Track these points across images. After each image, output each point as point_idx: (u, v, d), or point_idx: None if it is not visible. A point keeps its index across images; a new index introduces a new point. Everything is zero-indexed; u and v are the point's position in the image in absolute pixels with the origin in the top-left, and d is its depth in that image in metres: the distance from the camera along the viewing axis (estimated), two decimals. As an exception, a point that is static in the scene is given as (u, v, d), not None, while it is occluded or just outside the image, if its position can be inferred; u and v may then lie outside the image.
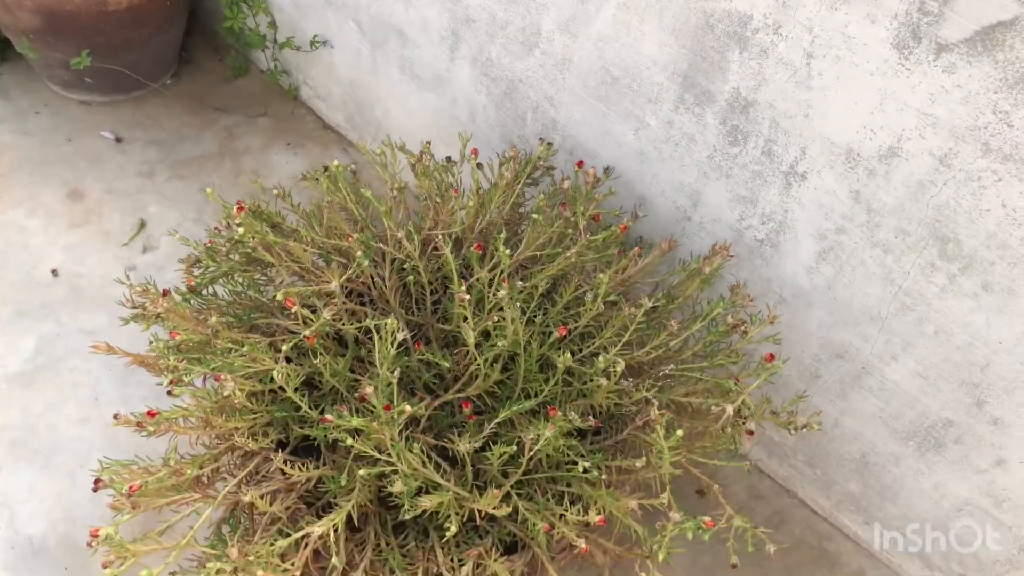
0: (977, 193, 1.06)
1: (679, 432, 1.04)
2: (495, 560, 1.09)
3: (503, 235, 1.17)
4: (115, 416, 1.13)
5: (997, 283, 1.11)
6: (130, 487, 1.06)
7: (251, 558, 0.96)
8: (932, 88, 1.02)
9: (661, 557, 1.01)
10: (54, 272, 1.87)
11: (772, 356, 1.16)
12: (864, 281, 1.25)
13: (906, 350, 1.27)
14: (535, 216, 1.29)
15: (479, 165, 1.38)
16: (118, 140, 2.13)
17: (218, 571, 0.95)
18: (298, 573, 1.00)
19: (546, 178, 1.45)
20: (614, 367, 1.11)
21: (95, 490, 1.10)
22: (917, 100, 1.04)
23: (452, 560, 1.12)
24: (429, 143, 1.40)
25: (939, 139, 1.05)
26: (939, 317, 1.20)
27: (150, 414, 1.08)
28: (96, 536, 1.04)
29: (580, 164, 1.36)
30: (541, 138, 1.51)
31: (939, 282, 1.16)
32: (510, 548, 1.20)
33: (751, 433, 1.13)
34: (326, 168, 1.37)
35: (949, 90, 1.01)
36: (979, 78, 0.98)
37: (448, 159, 1.40)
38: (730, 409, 1.10)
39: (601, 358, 1.12)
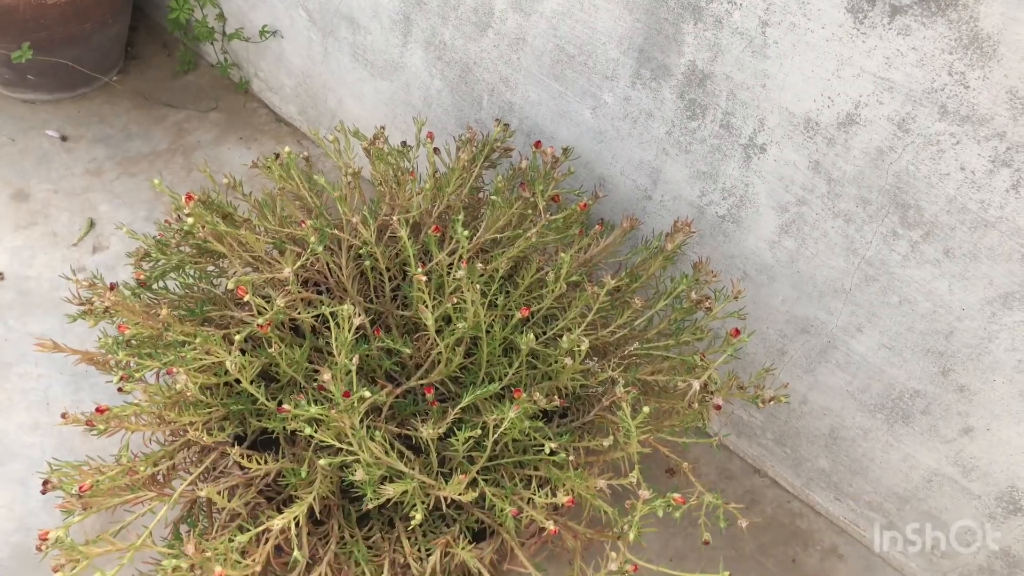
0: (936, 157, 1.05)
1: (645, 409, 1.02)
2: (463, 548, 1.06)
3: (461, 217, 1.15)
4: (63, 415, 1.09)
5: (958, 248, 1.10)
6: (80, 487, 1.02)
7: (209, 554, 0.92)
8: (888, 52, 1.02)
9: (632, 537, 0.99)
10: (0, 275, 1.81)
11: (737, 331, 1.14)
12: (827, 253, 1.24)
13: (871, 321, 1.26)
14: (494, 198, 1.27)
15: (436, 149, 1.35)
16: (64, 139, 2.07)
17: (175, 569, 0.92)
18: (259, 568, 0.96)
19: (504, 160, 1.42)
20: (578, 347, 1.09)
21: (43, 492, 1.05)
22: (873, 65, 1.04)
23: (419, 550, 1.09)
24: (383, 128, 1.37)
25: (896, 104, 1.05)
26: (902, 286, 1.19)
27: (99, 410, 1.04)
28: (45, 539, 1.00)
29: (538, 144, 1.34)
30: (497, 119, 1.48)
31: (901, 250, 1.16)
32: (478, 535, 1.17)
33: (718, 408, 1.12)
34: (277, 156, 1.33)
35: (904, 53, 1.00)
36: (933, 39, 0.97)
37: (403, 143, 1.37)
38: (696, 384, 1.09)
39: (565, 339, 1.10)
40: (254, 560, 0.98)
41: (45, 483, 1.06)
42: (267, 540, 1.01)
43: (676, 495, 1.00)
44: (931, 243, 1.12)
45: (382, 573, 1.05)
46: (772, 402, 1.15)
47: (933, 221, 1.10)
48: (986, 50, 0.95)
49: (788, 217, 1.25)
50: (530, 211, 1.28)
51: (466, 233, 1.11)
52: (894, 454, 1.39)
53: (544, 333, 1.21)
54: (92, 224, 1.91)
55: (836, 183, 1.16)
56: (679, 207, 1.38)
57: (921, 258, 1.15)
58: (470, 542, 1.10)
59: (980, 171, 1.03)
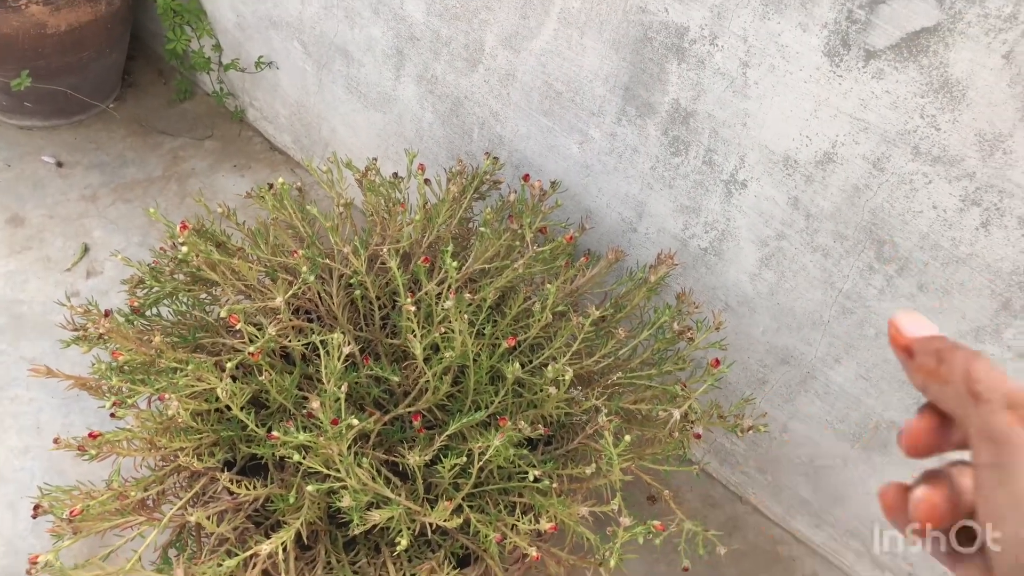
0: (909, 196, 1.09)
1: (627, 438, 1.05)
2: (448, 573, 1.08)
3: (450, 248, 1.18)
4: (55, 440, 1.11)
5: (932, 283, 1.14)
6: (71, 511, 1.03)
7: (197, 579, 0.94)
8: (863, 94, 1.06)
9: (613, 563, 1.01)
10: (-7, 299, 1.83)
11: (717, 361, 1.17)
12: (805, 286, 1.27)
13: (848, 353, 1.29)
14: (483, 230, 1.30)
15: (426, 180, 1.38)
16: (59, 165, 2.10)
17: (163, 594, 0.93)
18: (246, 593, 0.98)
19: (493, 192, 1.46)
20: (563, 376, 1.12)
21: (34, 516, 1.07)
22: (849, 106, 1.08)
23: (404, 575, 1.11)
24: (375, 159, 1.40)
25: (871, 144, 1.08)
26: (878, 319, 1.22)
27: (91, 436, 1.06)
28: (35, 563, 1.01)
29: (526, 178, 1.37)
30: (487, 152, 1.52)
31: (877, 284, 1.19)
32: (463, 561, 1.19)
33: (698, 436, 1.14)
34: (271, 186, 1.36)
35: (879, 95, 1.04)
36: (906, 83, 1.01)
37: (395, 175, 1.40)
38: (677, 414, 1.11)
39: (550, 368, 1.12)
40: (242, 584, 0.99)
41: (36, 507, 1.07)
42: (255, 565, 1.02)
43: (656, 522, 1.02)
44: (906, 278, 1.16)
45: (368, 598, 1.06)
46: (751, 431, 1.17)
47: (907, 257, 1.14)
48: (955, 94, 0.99)
49: (768, 251, 1.28)
50: (518, 242, 1.31)
51: (455, 264, 1.14)
52: (872, 483, 1.41)
53: (530, 362, 1.23)
54: (86, 249, 1.94)
55: (814, 218, 1.20)
56: (663, 239, 1.41)
57: (896, 292, 1.18)
58: (455, 567, 1.12)
59: (951, 209, 1.06)
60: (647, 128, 1.31)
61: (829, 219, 1.19)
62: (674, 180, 1.33)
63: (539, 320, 1.20)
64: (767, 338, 1.38)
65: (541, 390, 1.16)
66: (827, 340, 1.31)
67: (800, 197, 1.20)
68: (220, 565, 0.98)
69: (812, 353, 1.34)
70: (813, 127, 1.13)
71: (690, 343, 1.24)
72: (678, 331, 1.24)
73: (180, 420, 1.06)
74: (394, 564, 1.12)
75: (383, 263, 1.34)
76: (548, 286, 1.18)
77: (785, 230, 1.25)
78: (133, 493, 1.08)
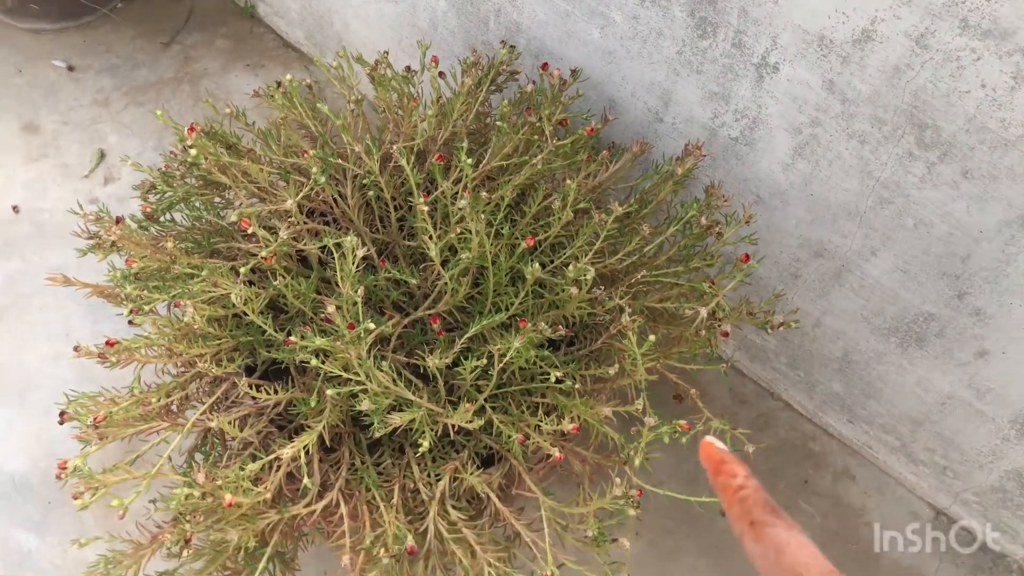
0: (955, 75, 1.01)
1: (651, 338, 1.02)
2: (472, 473, 1.08)
3: (466, 145, 1.12)
4: (76, 348, 1.10)
5: (977, 169, 1.07)
6: (95, 418, 1.04)
7: (219, 482, 0.94)
8: (907, -37, 0.97)
9: (637, 462, 1.00)
10: (15, 209, 1.82)
11: (747, 257, 1.13)
12: (841, 175, 1.21)
13: (886, 245, 1.24)
14: (500, 124, 1.24)
15: (440, 73, 1.32)
16: (70, 69, 2.05)
17: (187, 496, 0.94)
18: (270, 496, 0.98)
19: (511, 84, 1.39)
20: (584, 276, 1.08)
21: (61, 423, 1.08)
22: (892, -23, 0.99)
23: (428, 475, 1.11)
24: (387, 52, 1.34)
25: (915, 18, 1.00)
26: (918, 209, 1.16)
27: (109, 344, 1.05)
28: (64, 468, 1.03)
29: (545, 67, 1.30)
30: (503, 41, 1.44)
31: (917, 172, 1.13)
32: (487, 461, 1.19)
33: (726, 334, 1.11)
34: (279, 84, 1.31)
35: (925, -36, 0.95)
36: (956, -52, 0.92)
37: (408, 68, 1.34)
38: (703, 312, 1.08)
39: (571, 267, 1.09)
40: (266, 488, 1.00)
41: (62, 414, 1.08)
42: (278, 468, 1.02)
43: (681, 421, 1.00)
44: (949, 164, 1.09)
45: (392, 498, 1.06)
46: (781, 327, 1.14)
47: (951, 141, 1.07)
48: (1011, -42, 0.90)
49: (802, 139, 1.22)
50: (537, 137, 1.26)
51: (470, 161, 1.09)
52: (908, 377, 1.38)
53: (551, 262, 1.20)
54: (102, 155, 1.91)
55: (851, 103, 1.13)
56: (691, 129, 1.34)
57: (938, 179, 1.11)
58: (479, 467, 1.12)
59: (1002, 88, 0.98)
60: (672, 9, 1.23)
61: (867, 103, 1.11)
62: (702, 65, 1.25)
63: (559, 218, 1.16)
64: (800, 231, 1.33)
65: (562, 291, 1.13)
66: (863, 232, 1.25)
67: (836, 80, 1.12)
68: (243, 468, 0.98)
69: (847, 246, 1.29)
70: (850, 2, 1.04)
71: (719, 238, 1.19)
72: (706, 226, 1.19)
73: (197, 326, 1.05)
74: (418, 464, 1.12)
75: (397, 162, 1.29)
76: (569, 182, 1.13)
77: (820, 116, 1.17)
78: (155, 399, 1.08)
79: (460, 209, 1.06)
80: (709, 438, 0.56)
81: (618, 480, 0.97)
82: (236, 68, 2.09)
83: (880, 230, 1.23)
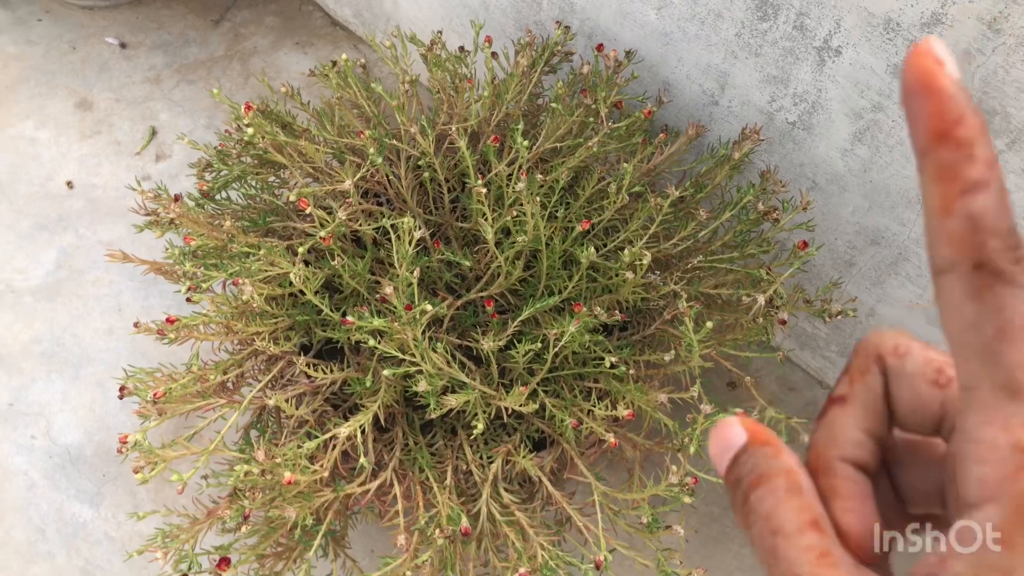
0: (1029, 60, 0.98)
1: (709, 324, 1.01)
2: (524, 456, 1.08)
3: (520, 127, 1.12)
4: (135, 325, 1.12)
5: (1047, 158, 1.04)
6: (154, 394, 1.05)
7: (278, 460, 0.95)
8: (983, -56, 0.94)
9: (692, 450, 0.99)
10: (69, 184, 1.85)
11: (805, 244, 1.11)
12: (903, 161, 1.19)
13: (946, 233, 1.21)
14: (554, 105, 1.23)
15: (493, 54, 1.31)
16: (123, 46, 2.07)
17: (246, 473, 0.95)
18: (326, 474, 1.00)
19: (564, 65, 1.38)
20: (640, 261, 1.07)
21: (120, 397, 1.10)
22: (966, -41, 0.96)
23: (480, 457, 1.11)
24: (440, 32, 1.33)
25: (987, 2, 0.97)
26: (982, 197, 1.14)
27: (169, 321, 1.07)
28: (125, 442, 1.05)
29: (600, 48, 1.29)
30: (558, 21, 1.43)
31: (984, 159, 1.10)
32: (538, 445, 1.19)
33: (783, 322, 1.10)
34: (334, 63, 1.31)
35: (1002, -55, 0.93)
36: (1036, -70, 0.90)
37: (461, 48, 1.33)
38: (762, 299, 1.06)
39: (627, 251, 1.08)
40: (322, 466, 1.01)
41: (121, 389, 1.10)
42: (334, 447, 1.04)
43: (738, 410, 0.99)
44: (1017, 152, 1.06)
45: (445, 479, 1.07)
46: (840, 316, 1.12)
47: (1021, 128, 1.04)
48: (1094, -60, 0.87)
49: (862, 124, 1.19)
50: (591, 119, 1.25)
51: (526, 143, 1.09)
52: (963, 368, 1.35)
53: (604, 245, 1.19)
54: (154, 132, 1.93)
55: (917, 88, 1.10)
56: (747, 113, 1.32)
57: (1005, 168, 1.09)
58: (530, 451, 1.12)
59: (1077, 74, 0.96)
60: (733, -9, 1.21)
61: (934, 88, 1.08)
62: (761, 48, 1.23)
63: (614, 202, 1.15)
64: (857, 218, 1.31)
65: (616, 275, 1.12)
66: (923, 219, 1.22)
67: (901, 64, 1.10)
68: (300, 447, 1.00)
69: (906, 233, 1.26)
70: (922, -16, 1.02)
71: (775, 224, 1.17)
72: (763, 212, 1.17)
73: (255, 305, 1.06)
74: (470, 446, 1.12)
75: (451, 143, 1.29)
76: (625, 165, 1.12)
77: (883, 101, 1.15)
78: (212, 376, 1.10)
79: (516, 191, 1.06)
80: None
81: (674, 467, 0.97)
82: (285, 46, 2.10)
83: (941, 218, 1.20)
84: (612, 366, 1.06)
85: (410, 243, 1.03)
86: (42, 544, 1.46)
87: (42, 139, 1.91)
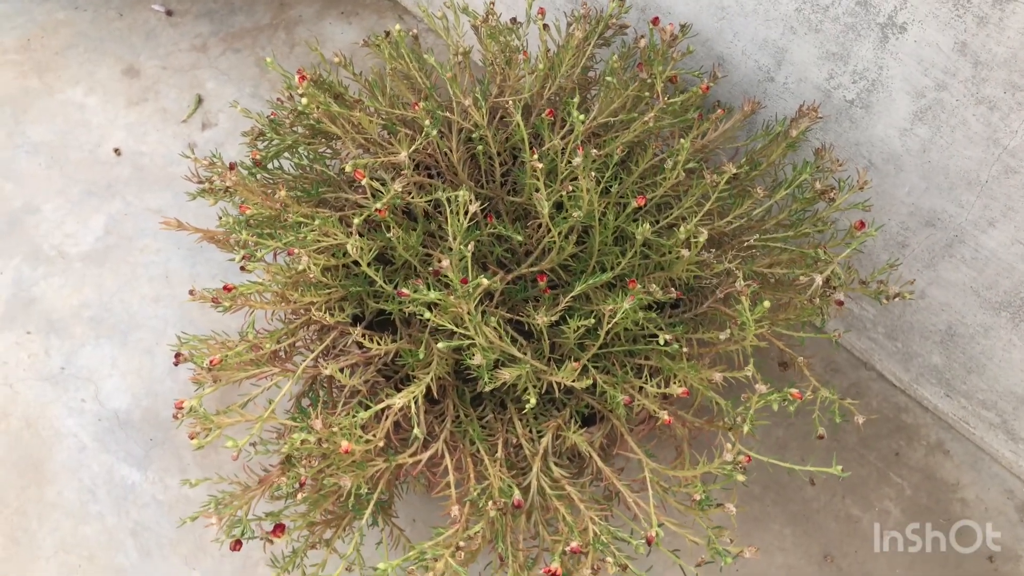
0: (1105, 39, 0.96)
1: (766, 303, 1.00)
2: (574, 431, 1.08)
3: (576, 99, 1.11)
4: (191, 292, 1.13)
5: (1118, 140, 1.02)
6: (211, 360, 1.07)
7: (335, 429, 0.96)
8: (1064, -81, 0.91)
9: (746, 429, 0.99)
10: (117, 151, 1.87)
11: (862, 224, 1.10)
12: (964, 142, 1.16)
13: (1006, 216, 1.19)
14: (608, 79, 1.22)
15: (546, 26, 1.30)
16: (169, 13, 2.08)
17: (303, 441, 0.96)
18: (381, 444, 1.01)
19: (618, 38, 1.36)
20: (695, 238, 1.07)
21: (176, 364, 1.11)
22: (1044, -66, 0.93)
23: (531, 431, 1.12)
24: (493, 3, 1.32)
25: (1066, -22, 0.95)
26: (1047, 179, 1.11)
27: (226, 288, 1.08)
28: (181, 408, 1.06)
29: (655, 21, 1.27)
30: (612, -5, 1.41)
31: (1051, 141, 1.08)
32: (587, 420, 1.19)
33: (840, 303, 1.09)
34: (387, 33, 1.30)
35: (1084, -80, 0.90)
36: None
37: (513, 20, 1.32)
38: (819, 279, 1.05)
39: (682, 228, 1.07)
40: (375, 435, 1.02)
41: (177, 355, 1.12)
42: (387, 417, 1.04)
43: (793, 390, 0.99)
44: (1087, 134, 1.04)
45: (496, 452, 1.08)
46: (896, 299, 1.11)
47: (1093, 110, 1.02)
48: None
49: (924, 103, 1.17)
50: (646, 93, 1.23)
51: (582, 117, 1.08)
52: (1016, 354, 1.34)
53: (657, 222, 1.18)
54: (200, 100, 1.94)
55: (983, 66, 1.08)
56: (804, 90, 1.30)
57: (1073, 150, 1.06)
58: (580, 426, 1.13)
59: None
60: (795, -36, 1.18)
61: (1002, 67, 1.06)
62: (821, 23, 1.21)
63: (669, 177, 1.14)
64: (912, 199, 1.29)
65: (669, 252, 1.12)
66: (982, 202, 1.20)
67: (969, 42, 1.07)
68: (354, 416, 1.00)
69: (963, 216, 1.24)
70: (996, -41, 0.99)
71: (831, 204, 1.16)
72: (819, 190, 1.16)
73: (311, 275, 1.06)
74: (520, 420, 1.13)
75: (503, 116, 1.28)
76: (682, 140, 1.11)
77: (947, 80, 1.12)
78: (267, 345, 1.11)
79: (572, 166, 1.05)
80: None
81: (729, 446, 0.97)
82: (330, 15, 2.09)
83: (1002, 200, 1.18)
84: (666, 343, 1.06)
85: (466, 216, 1.03)
86: (93, 505, 1.49)
87: (91, 105, 1.92)
